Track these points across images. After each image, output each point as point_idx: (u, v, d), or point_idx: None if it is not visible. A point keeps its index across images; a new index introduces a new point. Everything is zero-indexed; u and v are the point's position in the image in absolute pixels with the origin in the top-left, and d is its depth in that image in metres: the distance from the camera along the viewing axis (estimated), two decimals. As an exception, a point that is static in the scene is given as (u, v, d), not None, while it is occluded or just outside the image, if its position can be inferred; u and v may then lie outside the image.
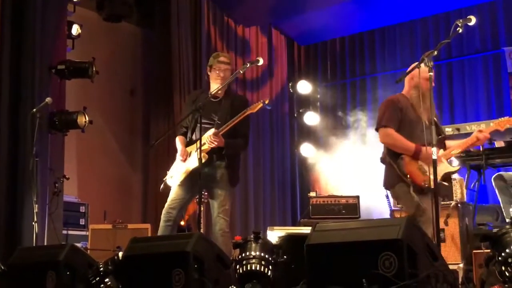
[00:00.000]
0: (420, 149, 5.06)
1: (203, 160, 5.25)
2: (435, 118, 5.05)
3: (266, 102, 5.59)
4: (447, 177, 5.14)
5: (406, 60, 10.26)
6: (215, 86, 5.64)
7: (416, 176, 5.11)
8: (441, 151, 5.14)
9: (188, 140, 5.70)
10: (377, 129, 5.37)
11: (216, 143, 5.41)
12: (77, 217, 7.73)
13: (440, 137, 5.18)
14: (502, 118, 5.42)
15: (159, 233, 5.53)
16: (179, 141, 5.70)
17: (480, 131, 5.16)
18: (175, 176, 5.64)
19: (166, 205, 5.58)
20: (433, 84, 4.73)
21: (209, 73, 5.80)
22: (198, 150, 5.20)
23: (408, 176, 5.11)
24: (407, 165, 5.14)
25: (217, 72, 5.66)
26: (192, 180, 5.50)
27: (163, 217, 5.53)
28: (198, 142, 5.23)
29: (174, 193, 5.61)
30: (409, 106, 5.26)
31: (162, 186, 5.78)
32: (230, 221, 5.60)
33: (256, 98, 10.31)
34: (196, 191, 5.68)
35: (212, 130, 5.42)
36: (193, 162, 5.49)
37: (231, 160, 5.60)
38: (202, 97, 5.66)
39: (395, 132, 5.21)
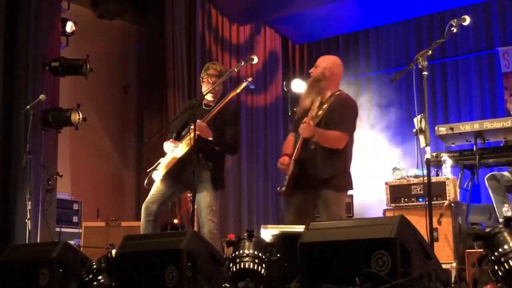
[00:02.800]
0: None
1: (187, 148, 5.24)
2: (321, 112, 4.97)
3: (249, 80, 5.50)
4: (296, 178, 4.95)
5: (400, 60, 10.29)
6: (208, 96, 5.56)
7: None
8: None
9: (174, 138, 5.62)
10: None
11: (201, 130, 5.26)
12: (70, 215, 7.73)
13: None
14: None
15: (142, 229, 5.43)
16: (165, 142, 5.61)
17: (304, 121, 4.88)
18: (159, 169, 5.53)
19: (146, 200, 5.47)
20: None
21: (202, 84, 5.74)
22: (186, 140, 5.20)
23: None
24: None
25: (207, 84, 5.59)
26: (175, 177, 5.45)
27: (143, 212, 5.43)
28: (190, 132, 5.19)
29: (155, 187, 5.51)
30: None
31: (146, 180, 5.59)
32: (223, 219, 5.57)
33: (250, 97, 10.32)
34: (178, 189, 5.64)
35: (198, 120, 5.30)
36: (179, 151, 5.39)
37: (217, 161, 5.50)
38: (197, 102, 5.50)
39: (288, 138, 5.30)
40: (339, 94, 5.16)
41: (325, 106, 5.00)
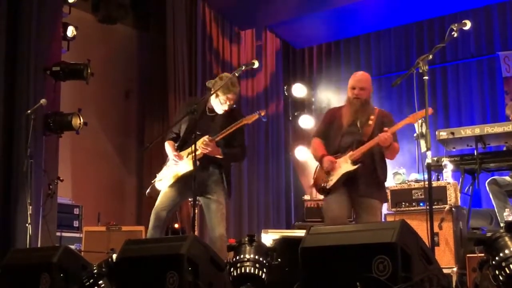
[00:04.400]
0: (322, 158, 5.42)
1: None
2: (370, 122, 5.43)
3: (262, 114, 5.50)
4: (349, 176, 5.31)
5: (401, 64, 10.29)
6: (215, 104, 5.51)
7: (318, 177, 5.48)
8: (350, 152, 5.35)
9: (178, 145, 5.60)
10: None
11: (209, 149, 5.32)
12: (71, 219, 7.72)
13: (355, 141, 5.39)
14: (417, 112, 5.44)
15: (148, 235, 5.45)
16: (169, 146, 5.60)
17: (385, 130, 5.27)
18: (164, 179, 5.55)
19: (155, 207, 5.47)
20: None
21: (214, 94, 5.53)
22: (191, 155, 5.14)
23: (313, 179, 5.55)
24: (318, 171, 5.54)
25: (222, 101, 5.50)
26: (184, 184, 5.42)
27: (152, 218, 5.42)
28: (191, 147, 5.13)
29: (164, 195, 5.52)
30: (340, 115, 5.59)
31: (149, 189, 5.65)
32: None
33: (251, 101, 10.33)
34: (187, 195, 5.64)
35: (206, 137, 5.35)
36: (184, 167, 5.41)
37: (226, 170, 5.55)
38: (199, 106, 5.42)
39: (316, 141, 5.63)
40: (381, 110, 5.67)
41: (372, 117, 5.47)
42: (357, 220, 5.48)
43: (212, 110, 5.59)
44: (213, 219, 5.41)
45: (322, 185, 5.39)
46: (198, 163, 5.18)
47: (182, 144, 5.57)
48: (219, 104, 5.51)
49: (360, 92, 5.46)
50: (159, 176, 5.63)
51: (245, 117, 5.48)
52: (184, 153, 5.50)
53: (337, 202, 5.32)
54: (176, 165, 5.48)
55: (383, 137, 5.21)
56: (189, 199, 6.25)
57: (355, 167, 5.28)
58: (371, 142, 5.31)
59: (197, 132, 5.21)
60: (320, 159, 5.44)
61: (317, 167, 5.56)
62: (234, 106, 5.62)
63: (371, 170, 5.36)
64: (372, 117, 5.46)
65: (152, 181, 5.65)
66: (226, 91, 5.49)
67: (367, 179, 5.34)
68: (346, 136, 5.44)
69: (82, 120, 7.31)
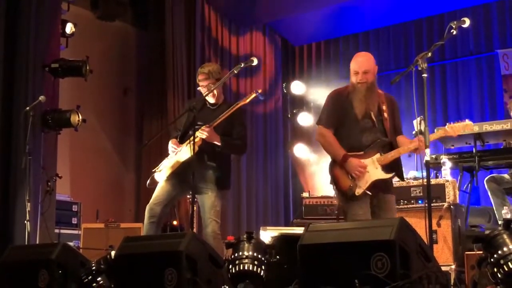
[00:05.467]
0: (346, 160, 4.93)
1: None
2: (385, 114, 5.07)
3: (259, 91, 5.50)
4: (377, 184, 4.96)
5: (400, 62, 10.29)
6: (209, 99, 5.57)
7: (342, 181, 5.00)
8: (378, 155, 4.99)
9: (179, 138, 5.59)
10: (317, 124, 5.29)
11: (207, 134, 5.29)
12: (70, 216, 7.71)
13: (379, 140, 5.03)
14: (457, 123, 5.37)
15: (144, 231, 5.42)
16: (170, 142, 5.58)
17: (421, 140, 4.90)
18: (163, 170, 5.51)
19: (150, 201, 5.44)
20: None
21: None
22: (191, 143, 5.13)
23: (334, 180, 5.04)
24: (339, 172, 5.02)
25: (201, 87, 5.61)
26: (180, 177, 5.42)
27: (146, 213, 5.39)
28: (192, 137, 5.13)
29: (159, 189, 5.49)
30: (350, 103, 5.11)
31: (149, 180, 5.58)
32: (222, 221, 5.51)
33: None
34: (183, 189, 5.61)
35: (204, 126, 5.35)
36: (184, 154, 5.37)
37: (222, 162, 5.49)
38: (198, 103, 5.48)
39: (330, 133, 5.10)
40: (386, 94, 5.28)
41: (384, 107, 5.12)
42: (375, 216, 5.01)
43: (213, 103, 5.61)
44: (206, 215, 5.38)
45: (351, 192, 4.92)
46: (197, 149, 5.18)
47: (182, 136, 5.57)
48: (203, 92, 5.54)
49: (365, 76, 5.03)
50: (159, 167, 5.60)
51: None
52: (183, 144, 5.49)
53: (363, 208, 4.93)
54: (175, 154, 5.46)
55: (422, 148, 4.85)
56: (188, 196, 6.25)
57: (389, 176, 5.01)
58: (405, 149, 5.03)
59: (198, 123, 5.22)
60: (342, 160, 4.94)
61: (334, 166, 5.05)
62: (211, 86, 5.52)
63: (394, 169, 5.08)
64: (384, 107, 5.10)
65: (153, 170, 5.58)
66: (197, 75, 5.66)
67: (390, 180, 5.12)
68: (367, 133, 5.03)
69: (80, 117, 7.31)
